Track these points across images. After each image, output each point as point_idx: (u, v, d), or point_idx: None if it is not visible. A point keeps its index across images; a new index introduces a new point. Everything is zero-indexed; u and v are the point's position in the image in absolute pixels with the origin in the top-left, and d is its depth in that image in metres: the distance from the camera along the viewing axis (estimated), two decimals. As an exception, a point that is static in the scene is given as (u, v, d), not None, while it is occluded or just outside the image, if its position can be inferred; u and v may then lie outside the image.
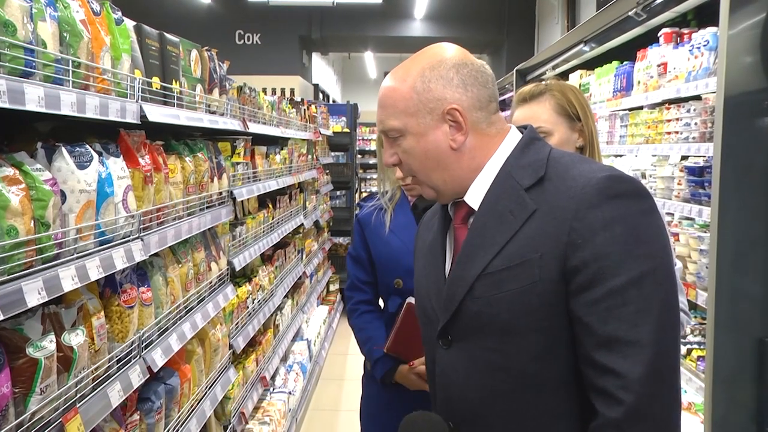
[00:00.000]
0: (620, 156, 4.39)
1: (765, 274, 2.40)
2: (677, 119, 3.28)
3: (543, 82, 2.07)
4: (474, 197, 1.38)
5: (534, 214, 1.27)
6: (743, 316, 2.41)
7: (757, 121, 2.34)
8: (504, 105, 8.61)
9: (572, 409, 1.28)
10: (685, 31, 3.43)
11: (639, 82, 3.80)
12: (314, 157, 6.35)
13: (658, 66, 3.52)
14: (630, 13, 3.55)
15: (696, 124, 3.11)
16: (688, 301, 3.10)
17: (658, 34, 3.59)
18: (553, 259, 1.23)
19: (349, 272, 2.54)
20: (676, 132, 3.28)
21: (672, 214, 3.54)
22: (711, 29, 2.93)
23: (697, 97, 3.15)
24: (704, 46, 2.97)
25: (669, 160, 3.49)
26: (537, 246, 1.25)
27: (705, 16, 3.28)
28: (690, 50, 3.14)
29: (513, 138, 1.40)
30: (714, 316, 2.44)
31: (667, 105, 3.46)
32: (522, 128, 1.44)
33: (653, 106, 3.67)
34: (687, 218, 3.38)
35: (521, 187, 1.31)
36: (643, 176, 3.79)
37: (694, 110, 3.14)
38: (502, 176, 1.35)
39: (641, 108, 3.82)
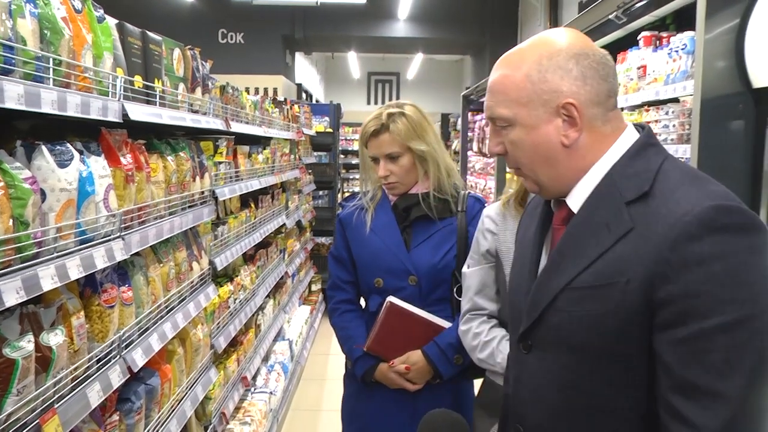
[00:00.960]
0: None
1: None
2: (656, 121, 3.32)
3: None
4: (575, 200, 1.30)
5: (629, 234, 1.17)
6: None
7: (732, 123, 2.38)
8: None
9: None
10: (664, 34, 3.47)
11: (619, 84, 3.83)
12: (297, 156, 6.35)
13: (638, 68, 3.55)
14: (611, 16, 3.59)
15: (674, 125, 3.14)
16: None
17: (638, 38, 3.62)
18: (639, 288, 1.14)
19: (331, 272, 2.55)
20: (656, 133, 3.31)
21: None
22: (689, 33, 2.96)
23: (676, 100, 3.18)
24: (682, 49, 3.00)
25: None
26: (625, 270, 1.16)
27: (683, 21, 3.31)
28: (668, 53, 3.17)
29: (627, 139, 1.28)
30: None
31: (646, 107, 3.50)
32: (639, 127, 1.33)
33: (633, 108, 3.70)
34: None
35: (623, 199, 1.21)
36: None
37: (673, 112, 3.18)
38: (605, 183, 1.25)
39: (622, 109, 3.85)
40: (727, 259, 1.07)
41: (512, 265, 1.55)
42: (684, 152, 2.89)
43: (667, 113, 3.23)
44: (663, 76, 3.22)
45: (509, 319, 1.51)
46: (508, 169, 2.19)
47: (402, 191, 2.39)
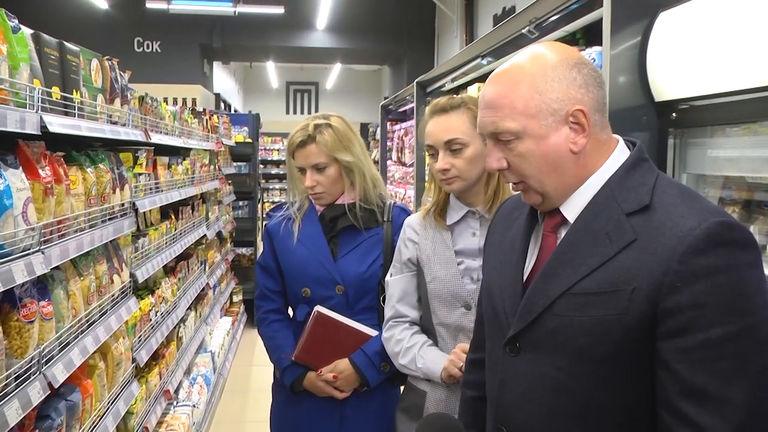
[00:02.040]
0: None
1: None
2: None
3: (458, 96, 2.12)
4: (571, 209, 1.32)
5: (632, 244, 1.21)
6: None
7: (638, 134, 2.52)
8: (404, 116, 8.78)
9: None
10: (575, 49, 3.63)
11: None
12: (216, 167, 6.29)
13: (550, 81, 3.70)
14: (524, 31, 3.72)
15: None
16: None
17: (550, 51, 3.78)
18: (645, 296, 1.17)
19: (259, 281, 2.56)
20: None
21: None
22: (597, 48, 3.11)
23: (586, 111, 3.34)
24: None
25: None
26: (631, 278, 1.19)
27: (591, 36, 3.48)
28: (578, 67, 3.33)
29: (621, 152, 1.33)
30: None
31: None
32: (630, 142, 1.36)
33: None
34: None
35: (622, 211, 1.24)
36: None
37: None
38: (604, 194, 1.28)
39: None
40: (731, 273, 1.12)
41: (487, 266, 1.55)
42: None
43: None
44: (573, 89, 3.37)
45: (487, 320, 1.52)
46: (427, 179, 2.24)
47: (328, 201, 2.43)
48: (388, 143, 9.47)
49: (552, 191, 1.32)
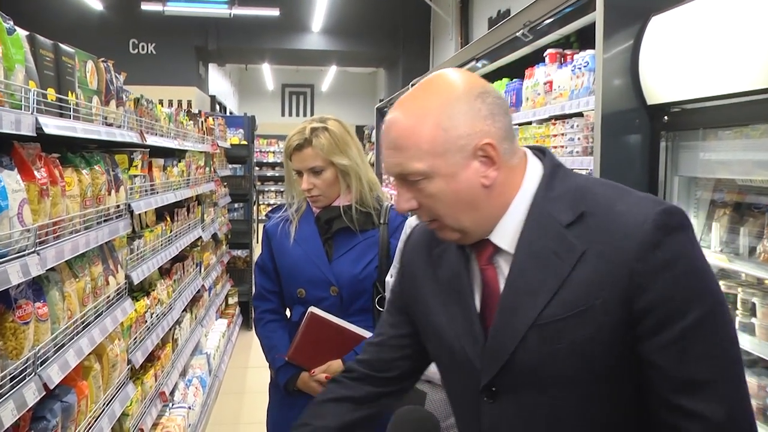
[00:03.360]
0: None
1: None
2: (562, 134, 3.49)
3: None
4: (503, 237, 1.26)
5: (584, 256, 1.17)
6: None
7: (630, 137, 2.55)
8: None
9: None
10: (568, 52, 3.65)
11: (527, 99, 4.01)
12: (212, 169, 6.29)
13: (545, 84, 3.73)
14: (518, 34, 3.74)
15: (579, 139, 3.32)
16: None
17: (544, 54, 3.80)
18: (617, 305, 1.15)
19: (256, 281, 2.59)
20: (562, 146, 3.48)
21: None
22: (590, 51, 3.14)
23: (580, 114, 3.36)
24: (585, 66, 3.18)
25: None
26: (596, 291, 1.16)
27: (585, 39, 3.50)
28: (572, 70, 3.35)
29: (534, 166, 1.29)
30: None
31: (553, 120, 3.67)
32: (537, 151, 1.33)
33: (541, 122, 3.87)
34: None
35: (560, 224, 1.20)
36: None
37: (577, 126, 3.35)
38: (535, 212, 1.24)
39: (530, 123, 4.02)
40: (685, 258, 1.14)
41: (427, 311, 1.42)
42: (588, 164, 3.06)
43: (572, 127, 3.40)
44: (568, 92, 3.39)
45: (445, 367, 1.43)
46: None
47: (325, 204, 2.44)
48: (384, 145, 9.46)
49: (470, 227, 1.27)
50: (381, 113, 9.46)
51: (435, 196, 1.23)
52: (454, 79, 1.24)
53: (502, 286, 1.27)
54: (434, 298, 1.40)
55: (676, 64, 2.28)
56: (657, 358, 1.15)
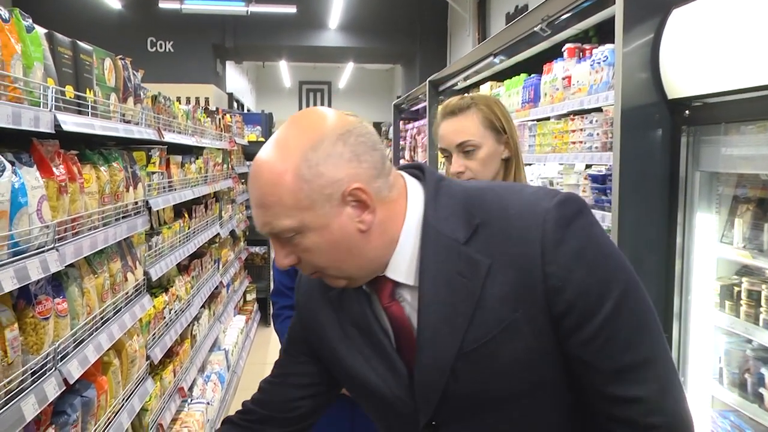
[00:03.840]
0: (529, 165, 4.57)
1: (659, 274, 2.57)
2: (581, 130, 3.46)
3: (468, 95, 2.11)
4: (399, 271, 1.19)
5: (491, 270, 1.12)
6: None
7: (650, 132, 2.51)
8: (416, 115, 8.78)
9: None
10: (587, 46, 3.62)
11: (545, 94, 3.97)
12: (230, 166, 6.32)
13: (563, 79, 3.69)
14: (536, 29, 3.71)
15: (598, 134, 3.29)
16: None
17: (563, 49, 3.77)
18: (537, 312, 1.12)
19: (275, 277, 2.59)
20: (581, 142, 3.45)
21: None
22: (609, 46, 3.11)
23: (599, 109, 3.33)
24: (604, 61, 3.15)
25: (574, 169, 3.67)
26: (513, 303, 1.12)
27: (604, 33, 3.47)
28: (591, 65, 3.32)
29: (415, 189, 1.22)
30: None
31: (571, 116, 3.64)
32: (415, 170, 1.26)
33: (559, 117, 3.84)
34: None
35: (458, 243, 1.15)
36: (551, 184, 3.97)
37: (596, 121, 3.32)
38: (428, 237, 1.17)
39: (548, 119, 3.99)
40: (589, 243, 1.11)
41: (346, 361, 1.31)
42: (608, 159, 3.03)
43: (591, 122, 3.37)
44: (587, 87, 3.36)
45: (375, 411, 1.35)
46: None
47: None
48: (401, 142, 9.47)
49: (356, 272, 1.19)
50: (398, 110, 9.45)
51: (311, 250, 1.15)
52: (314, 124, 1.14)
53: (413, 319, 1.20)
54: (342, 342, 1.31)
55: (697, 58, 2.25)
56: (584, 353, 1.13)
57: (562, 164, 3.85)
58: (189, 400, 4.35)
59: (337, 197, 1.11)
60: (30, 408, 1.83)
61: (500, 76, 5.15)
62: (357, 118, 1.20)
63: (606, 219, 3.02)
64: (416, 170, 1.26)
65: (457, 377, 1.16)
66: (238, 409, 1.50)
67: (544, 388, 1.18)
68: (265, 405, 1.46)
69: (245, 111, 15.23)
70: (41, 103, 2.01)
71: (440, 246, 1.16)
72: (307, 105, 21.17)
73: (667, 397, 1.12)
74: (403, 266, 1.19)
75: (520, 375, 1.15)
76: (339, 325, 1.31)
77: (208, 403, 4.46)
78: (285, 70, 18.73)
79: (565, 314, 1.11)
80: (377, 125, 13.51)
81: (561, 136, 3.72)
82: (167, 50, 12.17)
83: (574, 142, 3.53)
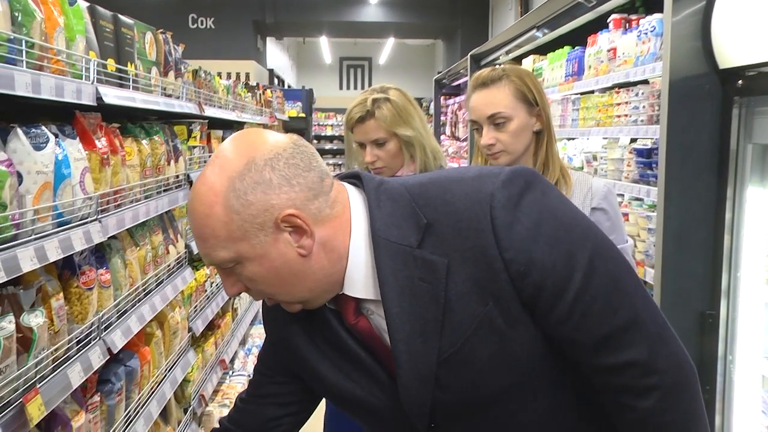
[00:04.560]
0: (572, 139, 4.49)
1: (706, 250, 2.50)
2: (626, 103, 3.38)
3: (499, 67, 2.08)
4: (356, 287, 1.15)
5: (450, 269, 1.08)
6: (686, 291, 2.51)
7: (699, 104, 2.44)
8: (459, 90, 8.69)
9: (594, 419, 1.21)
10: (633, 17, 3.52)
11: (590, 67, 3.89)
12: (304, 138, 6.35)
13: (608, 51, 3.61)
14: (580, 0, 3.63)
15: (644, 107, 3.20)
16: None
17: (608, 20, 3.68)
18: (506, 301, 1.08)
19: None
20: (626, 115, 3.37)
21: (622, 195, 3.64)
22: (657, 15, 3.01)
23: (645, 81, 3.24)
24: (651, 31, 3.06)
25: (619, 143, 3.59)
26: (480, 298, 1.08)
27: (652, 3, 3.37)
28: (638, 36, 3.23)
29: (357, 199, 1.17)
30: (660, 292, 2.54)
31: (616, 89, 3.56)
32: (352, 179, 1.21)
33: (604, 90, 3.76)
34: (636, 199, 3.49)
35: (411, 247, 1.10)
36: (594, 158, 3.89)
37: (642, 94, 3.24)
38: (379, 247, 1.11)
39: (592, 92, 3.91)
40: (544, 218, 1.07)
41: (329, 380, 1.25)
42: (654, 133, 2.95)
43: (637, 95, 3.29)
44: (633, 58, 3.27)
45: (371, 424, 1.32)
46: (474, 154, 2.21)
47: (389, 175, 2.41)
48: (442, 118, 9.41)
49: (308, 295, 1.15)
50: (439, 85, 9.37)
51: (254, 280, 1.12)
52: (241, 151, 1.09)
53: (385, 333, 1.16)
54: (320, 361, 1.25)
55: (752, 24, 2.16)
56: (564, 331, 1.10)
57: (606, 138, 3.77)
58: (230, 372, 4.41)
59: (270, 225, 1.07)
60: (76, 375, 1.87)
61: (543, 50, 5.07)
62: (291, 136, 1.15)
63: (651, 194, 2.95)
64: (354, 179, 1.21)
65: (442, 385, 1.13)
66: (214, 428, 1.47)
67: (538, 374, 1.15)
68: (242, 425, 1.42)
69: (286, 87, 15.28)
70: (83, 76, 2.02)
71: (394, 254, 1.11)
72: (348, 81, 21.14)
73: (659, 355, 1.10)
74: (359, 282, 1.14)
75: (507, 368, 1.12)
76: (313, 344, 1.25)
77: (249, 376, 4.52)
78: (325, 46, 18.70)
79: (535, 297, 1.07)
80: (418, 101, 13.42)
81: (605, 109, 3.64)
82: (208, 27, 12.23)
83: (618, 116, 3.45)
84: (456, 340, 1.10)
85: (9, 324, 1.54)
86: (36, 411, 1.62)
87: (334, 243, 1.13)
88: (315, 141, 15.82)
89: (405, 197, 1.14)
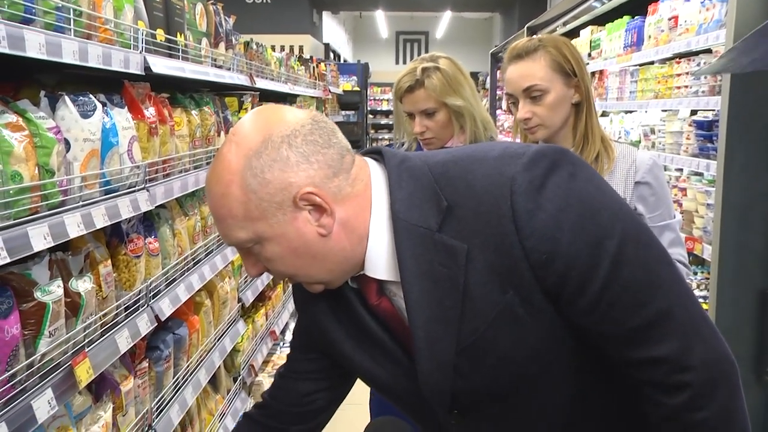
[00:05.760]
0: (630, 112, 4.36)
1: (767, 226, 2.40)
2: (687, 73, 3.25)
3: (536, 37, 2.01)
4: (377, 268, 1.12)
5: (470, 255, 1.04)
6: (746, 269, 2.42)
7: (764, 73, 2.32)
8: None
9: (622, 411, 1.17)
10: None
11: (650, 37, 3.75)
12: (324, 115, 6.35)
13: (669, 19, 3.47)
14: (641, -34, 3.50)
15: (706, 77, 3.08)
16: (694, 255, 3.11)
17: (670, -13, 3.54)
18: (527, 290, 1.03)
19: None
20: (686, 86, 3.25)
21: (681, 170, 3.53)
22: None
23: (708, 51, 3.11)
24: (715, -3, 2.93)
25: (678, 115, 3.47)
26: (500, 286, 1.04)
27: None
28: (701, 2, 3.10)
29: (379, 176, 1.13)
30: (718, 269, 2.45)
31: (677, 59, 3.43)
32: (374, 154, 1.17)
33: (663, 61, 3.63)
34: (696, 173, 3.37)
35: (431, 231, 1.06)
36: (652, 131, 3.77)
37: (704, 63, 3.11)
38: (399, 229, 1.08)
39: (652, 63, 3.78)
40: (569, 203, 1.01)
41: (356, 362, 1.25)
42: (715, 104, 2.84)
43: (698, 65, 3.16)
44: (695, 26, 3.14)
45: (397, 402, 1.30)
46: (512, 128, 2.14)
47: (438, 146, 2.37)
48: (498, 92, 9.27)
49: (328, 275, 1.13)
50: (496, 59, 9.23)
51: (274, 260, 1.09)
52: (258, 128, 1.07)
53: (406, 315, 1.13)
54: (346, 341, 1.24)
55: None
56: (589, 322, 1.05)
57: (665, 111, 3.64)
58: (281, 343, 4.47)
59: (289, 204, 1.05)
60: (124, 341, 1.91)
61: (601, 20, 4.92)
62: (311, 111, 1.12)
63: (711, 167, 2.84)
64: (376, 155, 1.17)
65: (462, 374, 1.10)
66: (257, 402, 1.49)
67: (559, 363, 1.10)
68: (280, 399, 1.43)
69: (341, 62, 15.28)
70: (131, 46, 2.04)
71: (414, 237, 1.07)
72: (404, 56, 21.01)
73: (693, 350, 1.02)
74: (380, 263, 1.11)
75: (528, 357, 1.08)
76: (339, 324, 1.24)
77: (299, 347, 4.56)
78: (382, 20, 18.60)
79: (558, 286, 1.02)
80: (474, 75, 13.27)
81: (665, 80, 3.52)
82: (264, 1, 12.28)
83: (678, 87, 3.33)
84: (475, 329, 1.06)
85: (57, 288, 1.58)
86: (84, 373, 1.65)
87: (355, 222, 1.10)
88: (371, 116, 15.78)
89: (427, 177, 1.09)
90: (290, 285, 4.56)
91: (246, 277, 3.39)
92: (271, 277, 3.80)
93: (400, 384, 1.20)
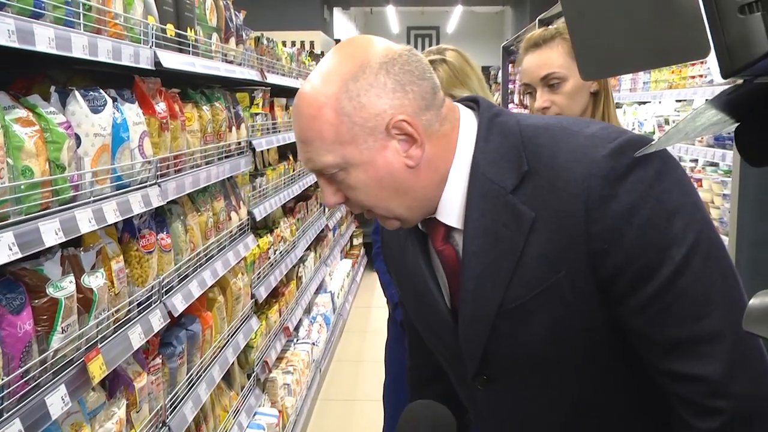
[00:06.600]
0: (644, 103, 4.32)
1: (788, 216, 2.37)
2: (702, 62, 3.21)
3: (552, 26, 1.98)
4: (449, 213, 1.12)
5: (535, 224, 1.04)
6: (763, 260, 2.39)
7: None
8: (527, 56, 8.48)
9: (643, 412, 1.15)
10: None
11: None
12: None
13: None
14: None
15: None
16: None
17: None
18: (580, 274, 1.02)
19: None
20: (701, 75, 3.21)
21: (696, 160, 3.49)
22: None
23: None
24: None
25: (693, 105, 3.43)
26: (555, 263, 1.03)
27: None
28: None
29: (469, 124, 1.13)
30: (734, 261, 2.42)
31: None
32: (471, 102, 1.17)
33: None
34: (711, 164, 3.33)
35: (505, 190, 1.06)
36: (666, 122, 3.73)
37: (720, 52, 3.07)
38: (476, 180, 1.08)
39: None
40: (648, 200, 0.98)
41: (405, 299, 1.32)
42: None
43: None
44: (709, 15, 3.10)
45: (436, 352, 1.32)
46: None
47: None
48: (510, 86, 9.23)
49: (405, 212, 1.12)
50: (507, 52, 9.18)
51: (356, 188, 1.09)
52: (355, 53, 1.07)
53: None
54: (406, 286, 1.28)
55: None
56: (636, 324, 1.03)
57: (679, 101, 3.60)
58: (295, 339, 4.46)
59: (381, 130, 1.05)
60: (137, 337, 1.90)
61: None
62: (406, 46, 1.11)
63: (727, 158, 2.80)
64: (471, 102, 1.16)
65: (497, 336, 1.11)
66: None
67: (592, 354, 1.09)
68: (424, 368, 1.48)
69: (353, 58, 15.24)
70: (141, 41, 2.03)
71: (486, 192, 1.08)
72: (415, 51, 20.93)
73: (737, 378, 0.98)
74: (452, 209, 1.12)
75: (563, 339, 1.07)
76: (404, 267, 1.27)
77: (313, 344, 4.56)
78: (393, 16, 18.53)
79: (612, 279, 1.01)
80: (485, 69, 13.21)
81: (678, 70, 3.47)
82: (275, -3, 12.26)
83: (693, 76, 3.29)
84: (520, 296, 1.07)
85: (69, 284, 1.57)
86: (97, 370, 1.65)
87: (438, 162, 1.10)
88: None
89: (516, 136, 1.08)
90: (303, 282, 4.55)
91: (259, 273, 3.39)
92: (285, 273, 3.80)
93: (442, 339, 1.22)
